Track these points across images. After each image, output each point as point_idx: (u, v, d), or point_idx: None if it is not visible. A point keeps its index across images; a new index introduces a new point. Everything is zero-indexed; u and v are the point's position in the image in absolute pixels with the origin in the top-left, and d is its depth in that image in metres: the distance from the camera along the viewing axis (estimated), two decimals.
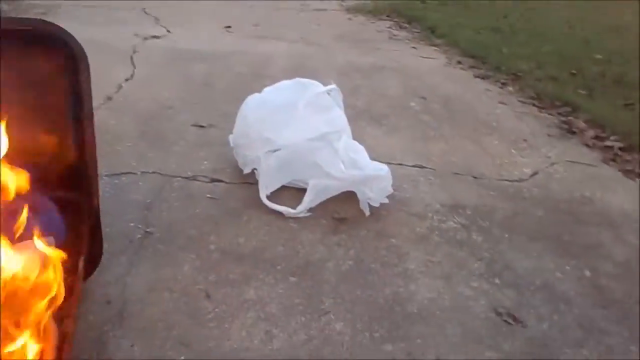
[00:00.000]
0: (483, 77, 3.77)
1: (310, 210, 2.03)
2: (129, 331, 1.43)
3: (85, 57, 1.49)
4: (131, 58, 3.21)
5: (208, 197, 2.09)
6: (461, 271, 1.81)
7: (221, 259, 1.76)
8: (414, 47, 4.40)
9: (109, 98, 2.69)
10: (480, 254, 1.91)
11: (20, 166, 1.47)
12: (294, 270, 1.75)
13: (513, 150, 2.74)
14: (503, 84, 3.64)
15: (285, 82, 2.32)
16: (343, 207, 2.08)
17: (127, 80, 2.94)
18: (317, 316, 1.56)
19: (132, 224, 1.85)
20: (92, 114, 1.53)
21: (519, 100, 3.39)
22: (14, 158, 1.46)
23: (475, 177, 2.44)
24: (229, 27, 4.15)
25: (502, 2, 5.88)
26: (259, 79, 3.12)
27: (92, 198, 1.55)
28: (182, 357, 1.37)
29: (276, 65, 3.51)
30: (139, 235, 1.80)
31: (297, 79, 2.31)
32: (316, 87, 2.25)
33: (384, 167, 2.13)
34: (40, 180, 1.50)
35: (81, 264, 1.41)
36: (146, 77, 3.04)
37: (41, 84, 1.53)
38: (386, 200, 2.11)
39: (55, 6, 3.86)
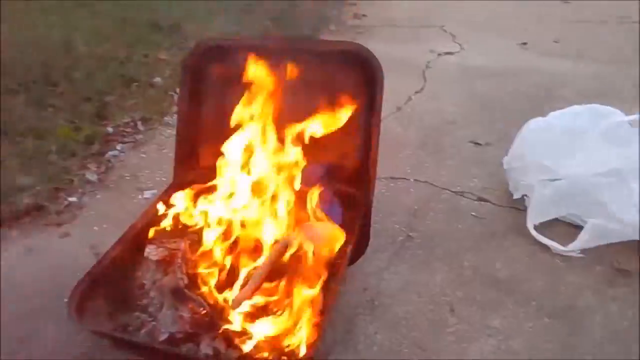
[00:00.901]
0: None
1: (583, 251, 1.83)
2: (376, 320, 1.58)
3: (382, 75, 1.70)
4: (423, 72, 3.42)
5: (472, 215, 2.10)
6: None
7: (473, 278, 1.76)
8: None
9: (399, 108, 2.94)
10: None
11: (317, 161, 1.80)
12: (551, 310, 1.62)
13: None
14: None
15: (576, 107, 2.12)
16: (626, 257, 1.81)
17: (416, 92, 3.16)
18: None
19: (397, 226, 2.01)
20: (379, 123, 1.74)
21: None
22: (314, 154, 1.78)
23: None
24: (525, 43, 3.98)
25: None
26: (548, 100, 2.92)
27: (368, 196, 1.76)
28: (416, 359, 1.45)
29: (572, 87, 3.21)
30: (402, 238, 1.95)
31: (592, 105, 2.09)
32: (615, 115, 2.00)
33: None
34: (330, 174, 1.79)
35: (349, 250, 1.62)
36: (434, 91, 3.20)
37: (344, 94, 1.80)
38: None
39: (371, 27, 4.41)
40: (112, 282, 1.60)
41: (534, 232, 1.92)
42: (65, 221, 2.09)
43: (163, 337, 1.41)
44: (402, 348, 1.49)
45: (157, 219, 1.67)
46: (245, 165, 1.66)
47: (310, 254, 1.48)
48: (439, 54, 3.80)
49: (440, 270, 1.79)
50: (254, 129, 1.66)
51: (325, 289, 1.48)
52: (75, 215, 2.12)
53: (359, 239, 1.73)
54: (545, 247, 1.87)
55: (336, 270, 1.54)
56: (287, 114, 1.68)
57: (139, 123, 2.80)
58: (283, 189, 1.63)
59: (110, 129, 2.71)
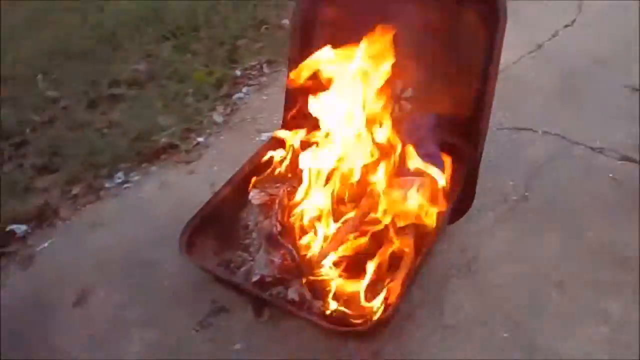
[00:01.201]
0: None
1: None
2: (468, 285, 1.49)
3: (505, 16, 1.49)
4: (579, 4, 2.91)
5: (610, 176, 1.81)
6: None
7: (594, 253, 1.55)
8: None
9: (539, 46, 2.58)
10: None
11: (427, 111, 1.69)
12: None
13: None
14: None
15: None
16: None
17: (565, 26, 2.72)
18: None
19: (512, 183, 1.83)
20: (497, 71, 1.55)
21: None
22: (426, 102, 1.67)
23: None
24: None
25: None
26: None
27: (476, 150, 1.62)
28: (506, 334, 1.35)
29: None
30: (515, 197, 1.78)
31: None
32: None
33: None
34: (440, 125, 1.67)
35: (448, 208, 1.52)
36: (590, 24, 2.72)
37: (462, 37, 1.63)
38: None
39: None
40: (220, 221, 1.75)
41: None
42: (192, 159, 2.30)
43: (255, 278, 1.52)
44: (493, 319, 1.40)
45: (263, 164, 1.76)
46: (349, 118, 1.63)
47: (403, 210, 1.44)
48: None
49: (555, 239, 1.60)
50: (361, 80, 1.60)
51: (417, 248, 1.43)
52: (200, 155, 2.32)
53: (462, 196, 1.62)
54: None
55: (431, 229, 1.47)
56: (400, 60, 1.59)
57: (265, 66, 2.89)
58: (385, 141, 1.57)
59: (238, 72, 2.85)
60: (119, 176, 2.26)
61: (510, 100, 2.23)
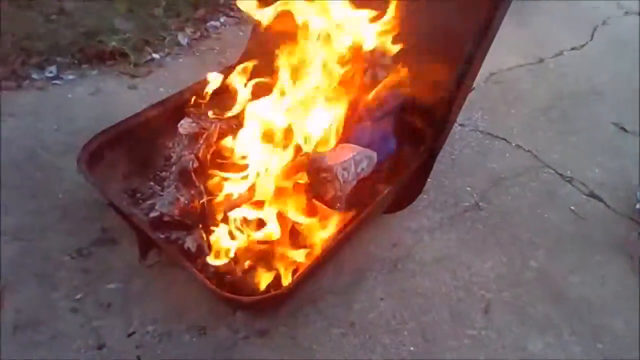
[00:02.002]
0: None
1: None
2: (388, 285, 1.33)
3: None
4: (594, 29, 2.72)
5: (571, 209, 1.66)
6: None
7: (533, 283, 1.40)
8: None
9: (540, 60, 2.39)
10: None
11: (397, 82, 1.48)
12: None
13: None
14: None
15: None
16: None
17: (572, 49, 2.53)
18: None
19: (469, 188, 1.66)
20: (483, 57, 1.35)
21: None
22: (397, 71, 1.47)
23: None
24: None
25: None
26: None
27: (438, 139, 1.43)
28: (413, 349, 1.18)
29: None
30: (467, 203, 1.61)
31: None
32: None
33: None
34: (406, 100, 1.48)
35: (389, 194, 1.34)
36: (596, 53, 2.54)
37: (458, 8, 1.42)
38: None
39: None
40: (140, 144, 1.53)
41: None
42: (139, 75, 2.05)
43: (153, 214, 1.31)
44: (403, 328, 1.24)
45: (207, 94, 1.53)
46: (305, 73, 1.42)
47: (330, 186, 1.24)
48: (627, 12, 3.02)
49: (496, 259, 1.44)
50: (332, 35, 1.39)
51: (340, 227, 1.24)
52: (150, 72, 2.08)
53: (408, 186, 1.44)
54: None
55: (362, 209, 1.28)
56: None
57: None
58: (336, 104, 1.36)
59: None
60: (51, 70, 1.99)
61: (493, 105, 2.05)
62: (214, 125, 1.43)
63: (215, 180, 1.28)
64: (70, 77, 1.99)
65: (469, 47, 1.36)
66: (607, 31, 2.77)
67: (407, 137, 1.48)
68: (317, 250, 1.20)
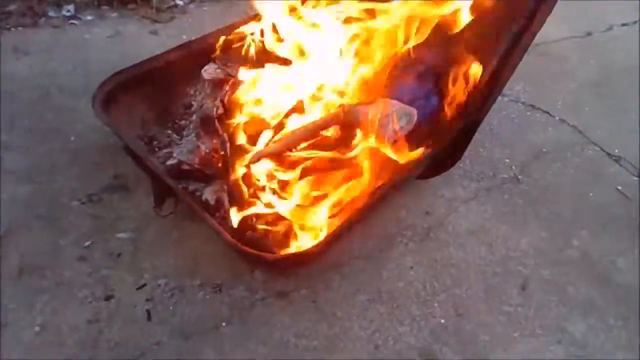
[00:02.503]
0: None
1: None
2: (419, 254, 1.23)
3: None
4: None
5: (617, 189, 1.53)
6: None
7: (574, 263, 1.29)
8: None
9: (588, 34, 2.23)
10: None
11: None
12: None
13: None
14: None
15: None
16: None
17: (623, 25, 2.37)
18: None
19: (507, 160, 1.54)
20: (532, 38, 1.21)
21: None
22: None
23: None
24: None
25: None
26: None
27: (482, 106, 1.31)
28: (443, 321, 1.08)
29: None
30: (506, 175, 1.49)
31: None
32: None
33: None
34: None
35: (429, 153, 1.22)
36: None
37: None
38: None
39: None
40: (161, 89, 1.43)
41: None
42: (162, 20, 1.94)
43: (171, 162, 1.22)
44: (433, 299, 1.14)
45: (234, 40, 1.41)
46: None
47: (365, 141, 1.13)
48: None
49: (535, 235, 1.33)
50: None
51: (372, 190, 1.14)
52: (172, 18, 1.96)
53: (445, 152, 1.33)
54: None
55: (397, 170, 1.18)
56: None
57: None
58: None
59: None
60: (69, 9, 1.88)
61: (537, 77, 1.91)
62: (241, 71, 1.32)
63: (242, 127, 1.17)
64: (89, 17, 1.89)
65: (518, 27, 1.21)
66: None
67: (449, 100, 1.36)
68: (346, 213, 1.10)
